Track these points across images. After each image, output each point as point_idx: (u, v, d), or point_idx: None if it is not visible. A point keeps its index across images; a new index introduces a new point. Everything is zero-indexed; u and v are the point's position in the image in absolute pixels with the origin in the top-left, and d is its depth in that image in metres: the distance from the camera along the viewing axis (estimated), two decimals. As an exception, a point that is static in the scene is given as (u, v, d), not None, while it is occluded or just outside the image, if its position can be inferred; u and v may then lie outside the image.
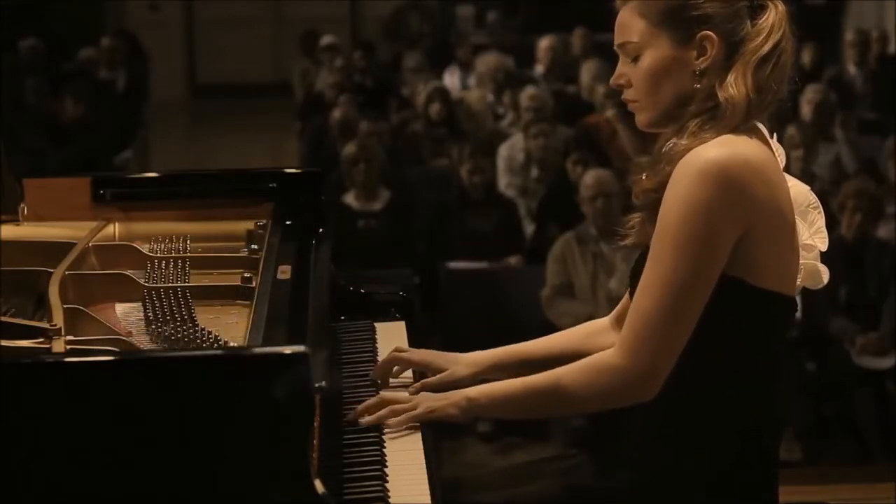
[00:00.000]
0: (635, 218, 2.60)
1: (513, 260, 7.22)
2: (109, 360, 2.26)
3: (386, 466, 2.50)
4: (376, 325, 3.15)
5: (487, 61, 10.44)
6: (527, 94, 8.74)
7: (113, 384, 2.18)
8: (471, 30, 13.63)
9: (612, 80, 2.62)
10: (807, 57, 10.75)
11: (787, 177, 2.61)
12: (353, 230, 7.21)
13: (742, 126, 2.48)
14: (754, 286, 2.46)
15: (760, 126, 2.56)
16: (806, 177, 7.46)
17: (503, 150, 8.25)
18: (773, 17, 2.51)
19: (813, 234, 2.63)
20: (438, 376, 2.75)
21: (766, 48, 2.49)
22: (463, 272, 7.13)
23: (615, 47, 2.60)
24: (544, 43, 10.80)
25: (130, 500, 2.16)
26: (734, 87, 2.47)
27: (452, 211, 7.52)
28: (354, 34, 14.68)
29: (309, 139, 9.55)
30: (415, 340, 3.07)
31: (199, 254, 3.16)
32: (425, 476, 2.49)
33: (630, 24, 2.54)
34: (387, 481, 2.46)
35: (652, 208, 2.51)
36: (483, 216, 7.42)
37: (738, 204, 2.41)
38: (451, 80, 10.99)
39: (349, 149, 7.49)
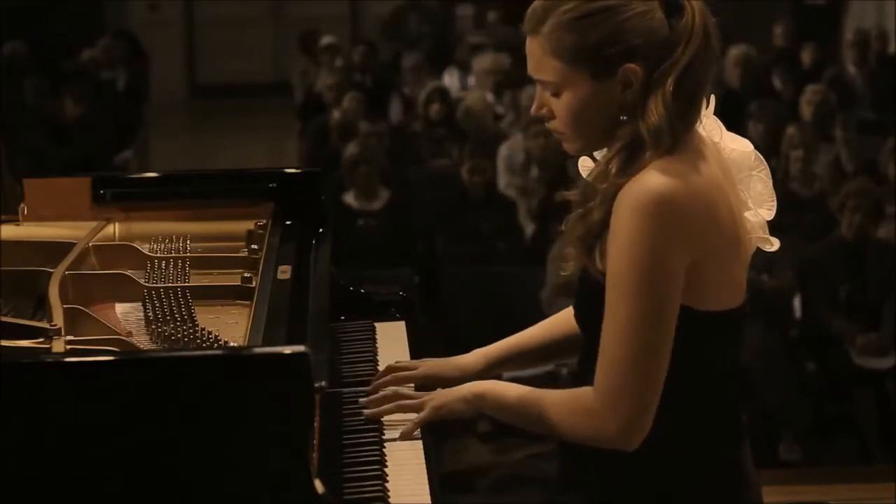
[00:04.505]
0: (570, 252, 2.51)
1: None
2: (109, 360, 2.26)
3: (386, 466, 2.50)
4: (376, 325, 3.15)
5: (484, 61, 10.45)
6: (527, 94, 8.73)
7: (113, 384, 2.18)
8: (470, 30, 13.63)
9: (532, 110, 2.53)
10: (807, 57, 10.77)
11: (729, 136, 2.54)
12: (353, 230, 7.22)
13: (671, 149, 2.38)
14: (700, 311, 2.41)
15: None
16: (806, 177, 7.51)
17: (503, 150, 8.25)
18: (690, 19, 2.39)
19: (760, 203, 2.53)
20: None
21: (685, 60, 2.39)
22: (463, 272, 7.13)
23: (530, 74, 2.49)
24: (544, 43, 10.78)
25: (130, 500, 2.16)
26: (655, 114, 2.37)
27: (452, 211, 7.52)
28: (354, 34, 14.68)
29: (309, 139, 9.55)
30: (415, 340, 3.07)
31: (199, 254, 3.16)
32: (425, 476, 2.50)
33: (543, 62, 2.44)
34: (387, 481, 2.46)
35: (586, 249, 2.44)
36: (483, 216, 7.42)
37: (681, 235, 2.35)
38: (450, 80, 11.00)
39: (350, 149, 7.50)
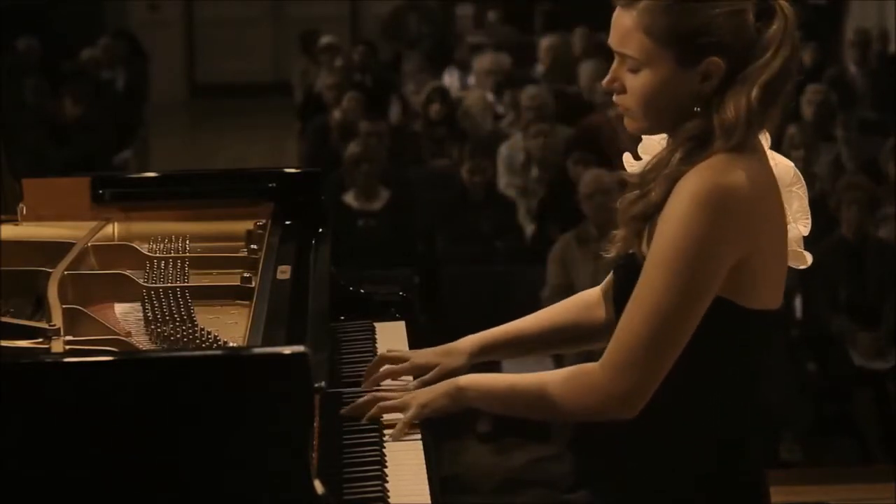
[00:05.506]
0: (619, 233, 2.52)
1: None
2: (109, 361, 2.26)
3: (386, 466, 2.50)
4: (376, 325, 3.15)
5: (483, 61, 10.45)
6: (527, 94, 8.74)
7: (112, 384, 2.18)
8: (470, 30, 13.64)
9: (605, 82, 2.53)
10: (807, 57, 10.75)
11: (771, 153, 2.55)
12: (353, 230, 7.22)
13: (739, 148, 2.40)
14: (742, 307, 2.42)
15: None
16: (806, 177, 7.48)
17: (503, 150, 8.26)
18: (784, 25, 2.41)
19: (797, 219, 2.56)
20: (432, 372, 2.73)
21: (777, 65, 2.41)
22: (463, 272, 7.13)
23: (611, 45, 2.50)
24: (545, 43, 10.80)
25: (130, 500, 2.16)
26: (732, 110, 2.39)
27: (452, 211, 7.52)
28: (354, 34, 14.69)
29: (309, 139, 9.55)
30: (415, 340, 3.07)
31: (198, 254, 3.16)
32: (425, 476, 2.49)
33: (631, 36, 2.44)
34: (387, 481, 2.46)
35: (636, 231, 2.46)
36: (483, 216, 7.42)
37: (736, 230, 2.37)
38: (450, 80, 11.00)
39: (352, 148, 7.50)
